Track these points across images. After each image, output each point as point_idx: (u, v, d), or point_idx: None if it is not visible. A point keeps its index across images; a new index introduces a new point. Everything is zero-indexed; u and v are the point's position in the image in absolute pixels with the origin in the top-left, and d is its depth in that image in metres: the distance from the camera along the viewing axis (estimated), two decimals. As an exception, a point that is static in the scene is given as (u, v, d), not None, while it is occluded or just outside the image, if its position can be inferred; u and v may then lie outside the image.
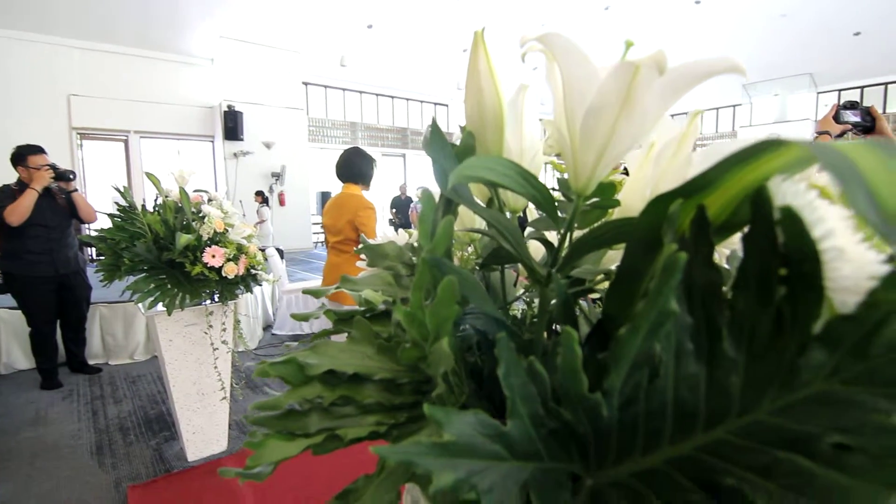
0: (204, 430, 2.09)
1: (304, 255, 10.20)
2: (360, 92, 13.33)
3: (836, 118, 1.62)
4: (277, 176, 10.54)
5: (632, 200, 0.44)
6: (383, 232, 0.68)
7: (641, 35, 11.39)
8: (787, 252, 0.26)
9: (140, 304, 1.92)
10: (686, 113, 0.40)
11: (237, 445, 2.30)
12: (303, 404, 0.41)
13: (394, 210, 9.57)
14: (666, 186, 0.41)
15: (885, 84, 12.35)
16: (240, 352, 2.16)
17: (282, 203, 10.63)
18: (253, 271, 2.07)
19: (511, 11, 10.18)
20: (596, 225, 0.35)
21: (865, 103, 1.84)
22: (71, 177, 3.06)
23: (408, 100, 14.25)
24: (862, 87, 12.59)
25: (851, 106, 1.62)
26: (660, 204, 0.30)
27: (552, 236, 0.58)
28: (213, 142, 10.54)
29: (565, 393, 0.28)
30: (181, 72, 10.07)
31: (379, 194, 12.72)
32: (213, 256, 1.88)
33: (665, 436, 0.29)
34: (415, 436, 0.37)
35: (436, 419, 0.27)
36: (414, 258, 0.53)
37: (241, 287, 2.06)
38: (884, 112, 11.67)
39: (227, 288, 2.00)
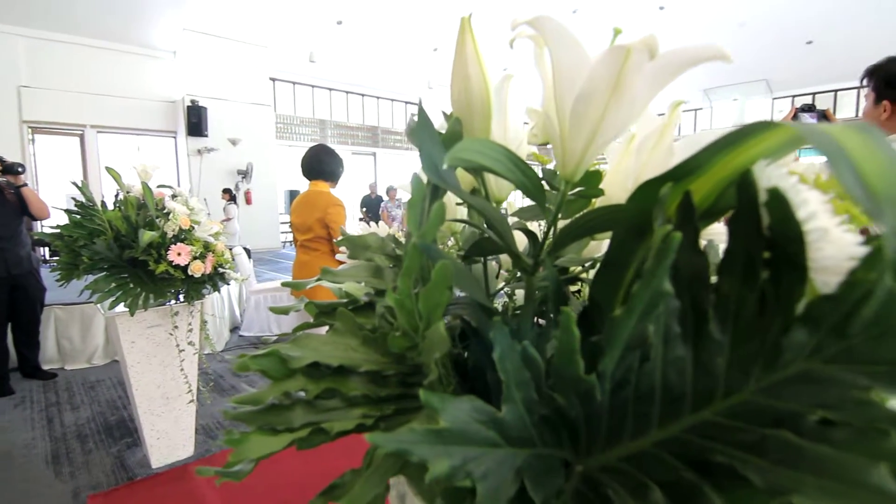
0: (169, 434, 2.01)
1: (272, 255, 9.99)
2: (330, 89, 13.14)
3: (795, 120, 1.70)
4: (244, 174, 10.28)
5: (613, 191, 0.44)
6: (362, 227, 0.67)
7: (606, 38, 11.62)
8: (771, 234, 0.26)
9: (100, 305, 1.84)
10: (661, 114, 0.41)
11: (204, 450, 2.23)
12: (285, 399, 0.40)
13: (364, 209, 9.48)
14: (649, 176, 0.41)
15: (835, 91, 13.02)
16: (206, 354, 2.09)
17: (248, 201, 10.37)
18: (221, 270, 2.01)
19: (481, 13, 10.22)
20: (583, 213, 0.35)
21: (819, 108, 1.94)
22: (20, 170, 2.90)
23: (378, 98, 14.14)
24: (814, 94, 13.23)
25: (809, 109, 1.70)
26: (648, 189, 0.30)
27: (533, 226, 0.58)
28: (175, 138, 10.19)
29: (559, 376, 0.28)
30: (142, 64, 9.69)
31: (349, 193, 12.59)
32: (179, 254, 1.81)
33: (653, 419, 0.30)
34: (407, 426, 0.36)
35: (431, 405, 0.26)
36: (397, 249, 0.52)
37: (208, 286, 2.00)
38: (833, 117, 12.30)
39: (194, 287, 1.93)
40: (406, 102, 14.76)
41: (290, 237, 11.72)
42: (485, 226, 0.47)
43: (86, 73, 9.02)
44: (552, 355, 0.30)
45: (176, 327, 1.93)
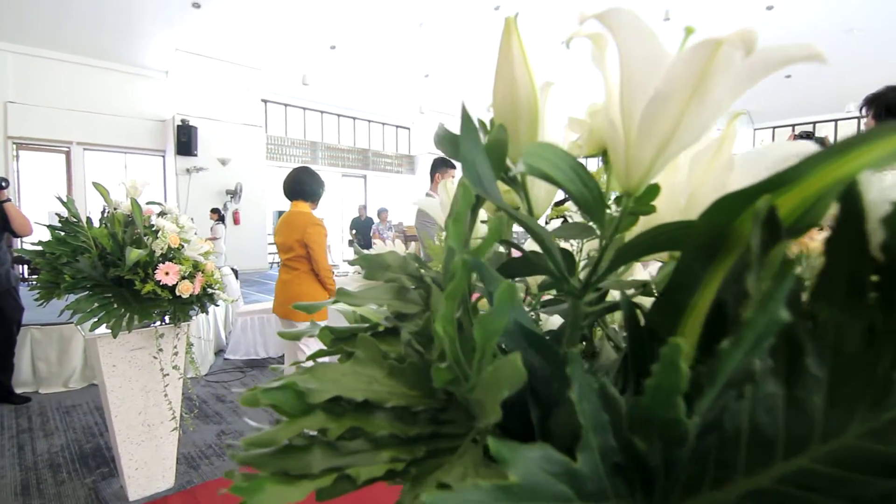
0: (148, 464, 1.90)
1: (259, 276, 9.84)
2: (322, 111, 13.22)
3: None
4: (232, 193, 10.19)
5: (660, 210, 0.41)
6: (378, 244, 0.63)
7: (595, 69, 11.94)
8: (885, 255, 0.23)
9: (80, 326, 1.75)
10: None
11: (185, 481, 2.12)
12: (302, 439, 0.35)
13: (353, 231, 9.42)
14: (706, 193, 0.38)
15: (814, 123, 13.45)
16: (190, 378, 2.00)
17: (236, 221, 10.26)
18: (210, 290, 1.94)
19: (471, 38, 10.45)
20: (647, 230, 0.31)
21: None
22: (3, 185, 2.82)
23: (370, 121, 14.25)
24: (793, 125, 13.66)
25: (807, 136, 1.70)
26: (728, 204, 0.27)
27: (567, 245, 0.54)
28: (164, 157, 10.11)
29: (646, 419, 0.24)
30: (132, 83, 9.66)
31: (339, 214, 12.55)
32: (167, 274, 1.75)
33: (739, 466, 0.26)
34: (444, 472, 0.31)
35: (501, 457, 0.22)
36: (422, 269, 0.48)
37: (196, 307, 1.92)
38: (813, 147, 12.70)
39: (181, 308, 1.86)
40: (397, 126, 14.89)
41: (277, 258, 11.57)
42: (521, 244, 0.43)
43: (74, 90, 8.96)
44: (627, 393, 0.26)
45: (161, 350, 1.85)
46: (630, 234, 0.36)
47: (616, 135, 0.31)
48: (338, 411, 0.36)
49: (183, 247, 1.86)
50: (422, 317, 0.45)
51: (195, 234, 1.99)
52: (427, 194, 3.06)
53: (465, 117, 0.35)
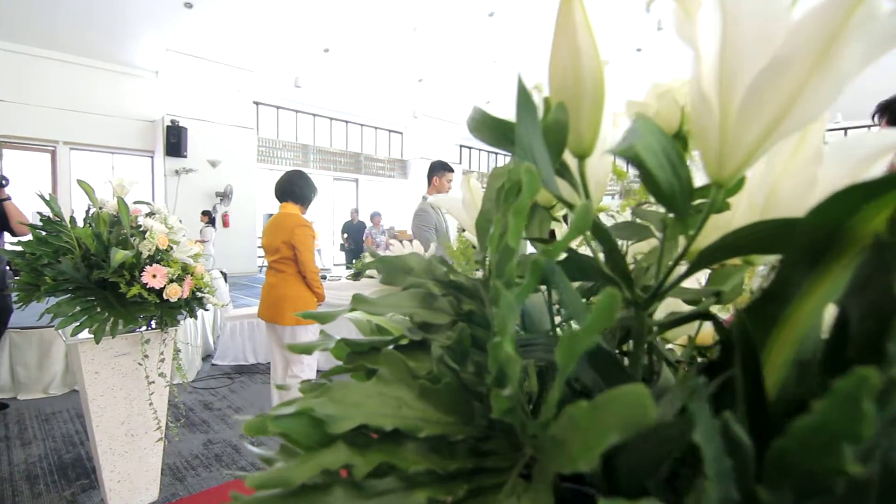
0: (131, 476, 1.82)
1: (248, 280, 9.70)
2: (314, 115, 13.13)
3: None
4: (222, 196, 10.06)
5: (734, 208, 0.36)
6: (395, 246, 0.58)
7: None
8: None
9: (61, 331, 1.67)
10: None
11: (170, 493, 2.03)
12: (319, 476, 0.29)
13: (345, 234, 9.33)
14: (791, 188, 0.33)
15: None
16: (176, 384, 1.92)
17: (226, 224, 10.12)
18: (199, 294, 1.86)
19: (465, 44, 10.46)
20: (739, 229, 0.26)
21: None
22: (4, 183, 2.72)
23: (362, 125, 14.19)
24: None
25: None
26: (847, 198, 0.22)
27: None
28: (152, 158, 9.96)
29: (789, 466, 0.18)
30: (122, 82, 9.52)
31: (331, 218, 12.45)
32: (154, 276, 1.67)
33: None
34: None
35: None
36: (451, 275, 0.42)
37: (185, 312, 1.85)
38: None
39: (168, 312, 1.78)
40: (390, 131, 14.85)
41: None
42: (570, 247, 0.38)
43: (62, 88, 8.80)
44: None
45: (146, 356, 1.76)
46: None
47: (708, 114, 0.26)
48: (362, 443, 0.30)
49: (172, 248, 1.79)
50: (453, 328, 0.39)
51: (184, 235, 1.92)
52: (423, 197, 3.01)
53: (523, 93, 0.30)
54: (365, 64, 10.82)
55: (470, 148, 17.08)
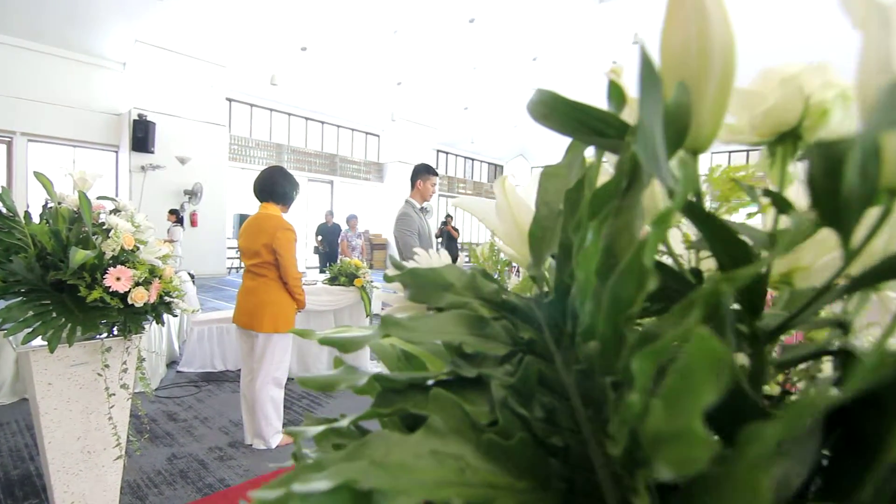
0: (87, 497, 1.66)
1: (217, 282, 9.37)
2: (289, 114, 12.87)
3: None
4: (191, 194, 9.72)
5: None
6: (421, 255, 0.50)
7: (563, 87, 12.20)
8: None
9: (11, 337, 1.51)
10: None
11: (129, 513, 1.87)
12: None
13: (319, 237, 9.12)
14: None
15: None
16: (138, 393, 1.78)
17: (194, 224, 9.78)
18: (168, 299, 1.73)
19: (446, 49, 10.45)
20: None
21: None
22: None
23: (339, 126, 13.99)
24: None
25: None
26: None
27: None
28: (117, 152, 9.54)
29: None
30: (86, 73, 9.08)
31: (305, 220, 12.18)
32: (118, 279, 1.53)
33: None
34: None
35: None
36: (504, 294, 0.35)
37: (151, 317, 1.71)
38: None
39: (133, 319, 1.64)
40: (367, 133, 14.69)
41: (237, 263, 11.10)
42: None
43: (20, 76, 8.32)
44: None
45: (107, 366, 1.62)
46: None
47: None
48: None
49: (138, 249, 1.65)
50: (510, 360, 0.32)
51: (153, 234, 1.78)
52: (407, 201, 2.92)
53: (647, 66, 0.23)
54: (343, 64, 10.67)
55: (447, 153, 17.06)
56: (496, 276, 0.58)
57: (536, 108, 0.31)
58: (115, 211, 1.73)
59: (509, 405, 0.28)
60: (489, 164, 19.14)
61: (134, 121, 8.82)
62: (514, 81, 12.03)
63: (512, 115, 14.66)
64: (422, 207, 2.96)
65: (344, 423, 0.30)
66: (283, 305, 2.46)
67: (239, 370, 3.70)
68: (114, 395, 1.64)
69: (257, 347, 2.45)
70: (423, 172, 2.95)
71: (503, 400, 0.28)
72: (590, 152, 0.35)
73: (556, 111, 0.31)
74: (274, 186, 2.50)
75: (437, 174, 3.02)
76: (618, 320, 0.22)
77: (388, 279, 0.41)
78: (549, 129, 0.31)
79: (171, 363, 3.90)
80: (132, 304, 1.58)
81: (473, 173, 18.63)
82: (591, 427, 0.27)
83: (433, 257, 0.46)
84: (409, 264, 0.45)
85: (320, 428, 0.31)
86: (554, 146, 17.00)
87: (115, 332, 1.67)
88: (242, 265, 2.57)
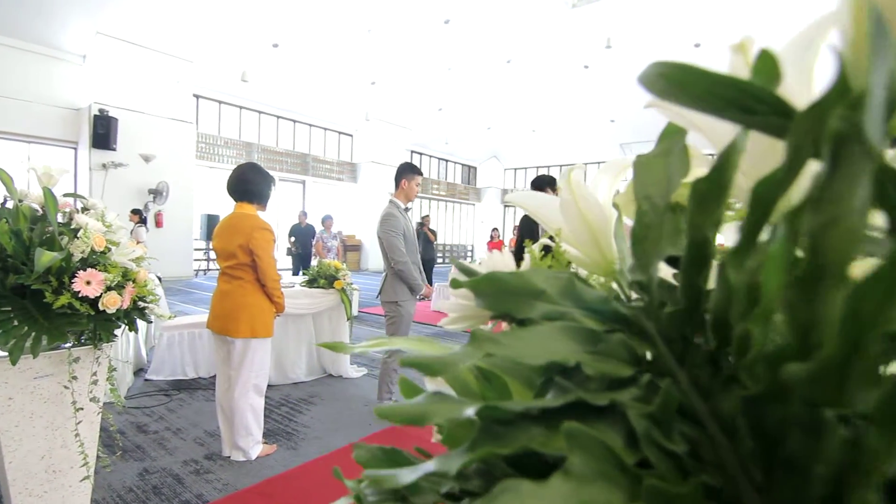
0: (51, 520, 1.53)
1: (184, 285, 9.03)
2: (259, 112, 12.56)
3: None
4: (156, 193, 9.34)
5: None
6: (488, 257, 0.44)
7: (536, 90, 12.31)
8: None
9: (-35, 348, 1.37)
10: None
11: (98, 535, 1.74)
12: None
13: (292, 238, 8.90)
14: None
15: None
16: (106, 403, 1.65)
17: (159, 224, 9.41)
18: (142, 304, 1.61)
19: (420, 49, 10.39)
20: None
21: None
22: None
23: (311, 126, 13.73)
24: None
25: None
26: None
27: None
28: (76, 149, 9.10)
29: None
30: (43, 65, 8.61)
31: (275, 221, 11.89)
32: (89, 283, 1.42)
33: None
34: None
35: None
36: (617, 304, 0.29)
37: (123, 324, 1.59)
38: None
39: (104, 326, 1.52)
40: (340, 132, 14.47)
41: (203, 265, 10.73)
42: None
43: (-31, 68, 7.84)
44: None
45: (74, 378, 1.49)
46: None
47: None
48: None
49: (110, 250, 1.54)
50: (640, 383, 0.27)
51: (125, 234, 1.66)
52: (391, 201, 2.85)
53: (877, 21, 0.18)
54: (316, 62, 10.47)
55: (421, 154, 16.98)
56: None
57: (660, 81, 0.26)
58: (84, 209, 1.61)
59: (655, 440, 0.23)
60: (463, 165, 19.15)
61: (95, 116, 8.42)
62: (488, 83, 12.07)
63: (486, 117, 14.70)
64: (406, 208, 2.89)
65: (452, 468, 0.25)
66: (261, 309, 2.36)
67: (212, 377, 3.54)
68: (81, 409, 1.51)
69: (234, 354, 2.33)
70: (407, 171, 2.89)
71: (647, 434, 0.23)
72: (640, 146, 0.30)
73: (691, 85, 0.26)
74: (248, 185, 2.40)
75: (421, 174, 2.96)
76: (864, 339, 0.18)
77: (455, 285, 0.35)
78: (675, 102, 0.26)
79: (139, 371, 3.70)
80: (104, 311, 1.47)
81: (447, 174, 18.61)
82: (749, 465, 0.22)
83: (498, 259, 0.40)
84: (479, 268, 0.39)
85: (413, 476, 0.25)
86: (525, 149, 17.14)
87: (84, 341, 1.55)
88: (211, 267, 2.44)
